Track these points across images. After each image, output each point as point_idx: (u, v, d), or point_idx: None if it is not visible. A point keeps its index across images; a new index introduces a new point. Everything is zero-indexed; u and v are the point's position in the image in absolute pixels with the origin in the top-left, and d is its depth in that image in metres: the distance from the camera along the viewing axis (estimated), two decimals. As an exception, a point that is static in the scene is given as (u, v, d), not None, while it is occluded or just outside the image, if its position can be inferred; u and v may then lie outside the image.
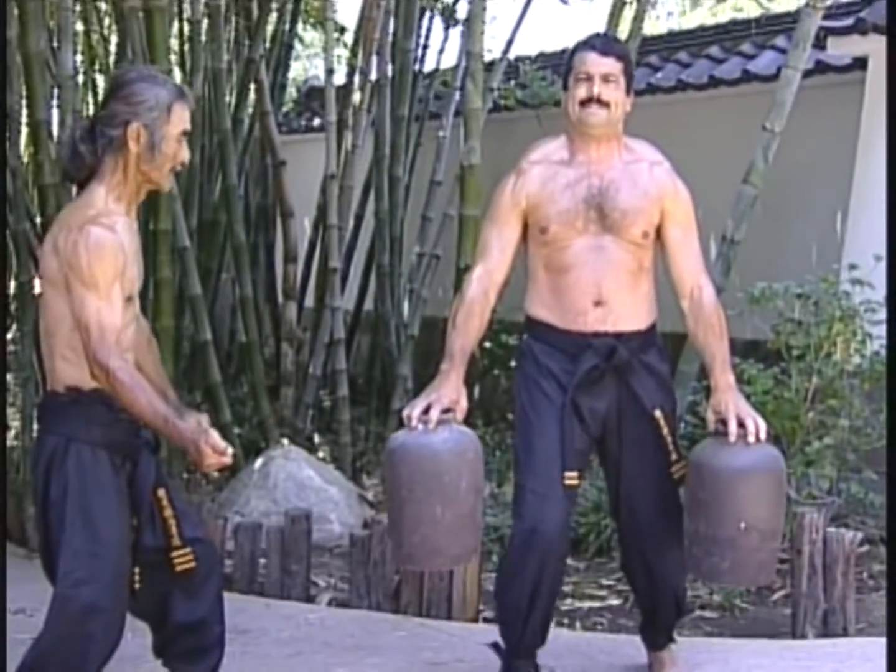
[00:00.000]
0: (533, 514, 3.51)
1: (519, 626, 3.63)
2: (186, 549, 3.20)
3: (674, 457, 3.62)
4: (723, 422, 3.41)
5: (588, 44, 3.58)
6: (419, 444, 3.33)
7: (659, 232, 3.65)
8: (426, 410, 3.37)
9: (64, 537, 3.01)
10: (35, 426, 8.35)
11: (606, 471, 3.83)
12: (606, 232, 3.56)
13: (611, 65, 3.52)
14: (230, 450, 3.00)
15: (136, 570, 3.16)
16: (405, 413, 3.41)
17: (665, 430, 3.60)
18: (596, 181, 3.56)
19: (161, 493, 3.20)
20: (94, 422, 3.03)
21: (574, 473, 3.54)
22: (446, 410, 3.39)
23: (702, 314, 3.64)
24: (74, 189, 3.19)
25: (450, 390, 3.45)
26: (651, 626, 3.91)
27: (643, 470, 3.62)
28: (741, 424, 3.38)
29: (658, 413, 3.60)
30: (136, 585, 3.17)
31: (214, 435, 2.97)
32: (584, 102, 3.50)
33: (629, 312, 3.64)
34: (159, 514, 3.20)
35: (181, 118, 3.07)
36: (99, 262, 2.88)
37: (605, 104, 3.50)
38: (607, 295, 3.58)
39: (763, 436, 3.37)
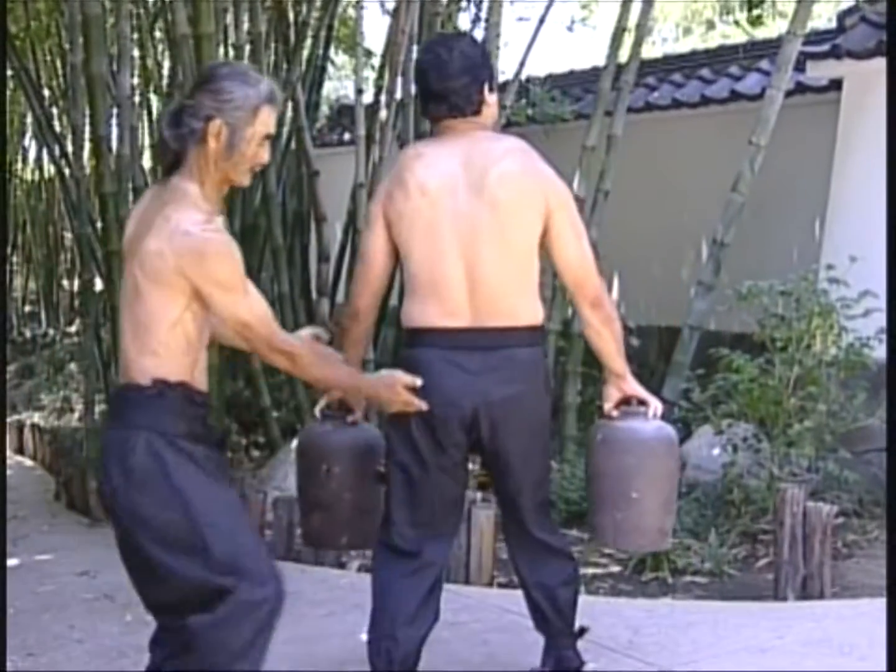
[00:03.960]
0: None
1: None
2: None
3: None
4: None
5: None
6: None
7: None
8: (626, 402, 3.18)
9: (198, 537, 2.51)
10: (97, 410, 8.44)
11: None
12: None
13: None
14: (418, 381, 2.86)
15: None
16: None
17: None
18: None
19: None
20: (180, 415, 2.59)
21: None
22: (642, 402, 3.19)
23: None
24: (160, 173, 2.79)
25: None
26: None
27: None
28: None
29: None
30: None
31: (398, 373, 2.87)
32: None
33: None
34: None
35: (266, 121, 2.67)
36: (229, 267, 2.54)
37: None
38: None
39: None
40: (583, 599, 3.38)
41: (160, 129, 2.67)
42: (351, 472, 3.17)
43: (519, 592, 3.47)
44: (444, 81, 3.07)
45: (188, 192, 2.61)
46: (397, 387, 2.86)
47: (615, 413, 3.19)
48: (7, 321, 14.95)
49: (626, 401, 3.19)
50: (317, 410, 3.30)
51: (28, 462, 10.06)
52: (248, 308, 2.59)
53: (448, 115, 3.10)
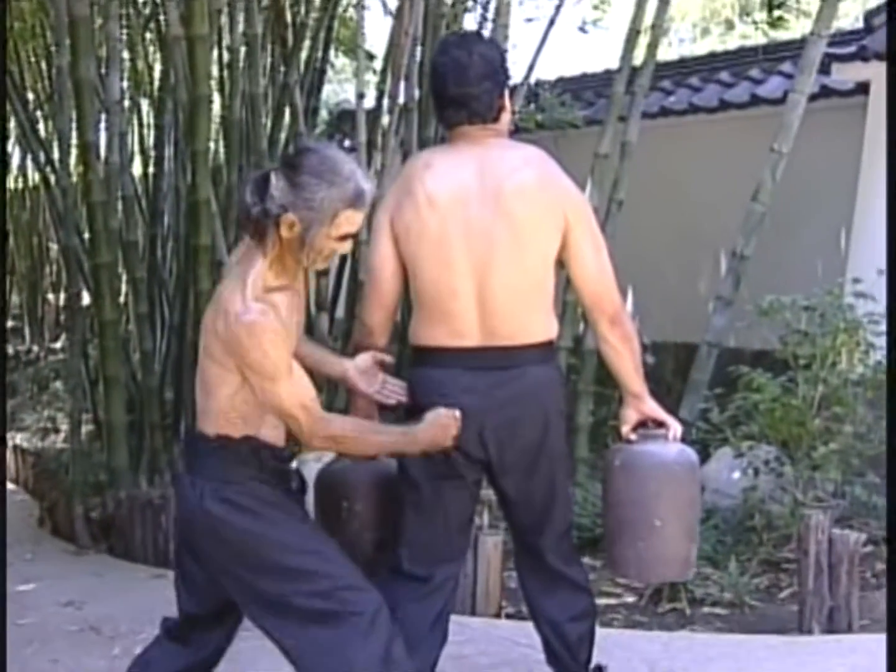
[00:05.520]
0: None
1: None
2: None
3: None
4: None
5: None
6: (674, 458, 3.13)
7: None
8: (643, 424, 3.16)
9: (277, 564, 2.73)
10: (83, 430, 8.41)
11: None
12: None
13: None
14: (457, 412, 2.87)
15: None
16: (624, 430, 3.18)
17: None
18: None
19: None
20: (244, 464, 2.75)
21: None
22: (661, 425, 3.17)
23: None
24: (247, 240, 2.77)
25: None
26: None
27: None
28: None
29: None
30: None
31: (444, 411, 2.86)
32: None
33: None
34: None
35: (347, 222, 2.68)
36: (264, 353, 2.60)
37: None
38: None
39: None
40: (596, 631, 3.36)
41: (242, 194, 2.70)
42: (372, 508, 3.16)
43: (529, 624, 3.46)
44: (464, 87, 3.02)
45: (249, 270, 2.66)
46: (450, 425, 2.86)
47: (633, 436, 3.17)
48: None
49: (643, 423, 3.17)
50: None
51: (10, 486, 10.05)
52: (287, 396, 2.66)
53: (466, 122, 3.06)
